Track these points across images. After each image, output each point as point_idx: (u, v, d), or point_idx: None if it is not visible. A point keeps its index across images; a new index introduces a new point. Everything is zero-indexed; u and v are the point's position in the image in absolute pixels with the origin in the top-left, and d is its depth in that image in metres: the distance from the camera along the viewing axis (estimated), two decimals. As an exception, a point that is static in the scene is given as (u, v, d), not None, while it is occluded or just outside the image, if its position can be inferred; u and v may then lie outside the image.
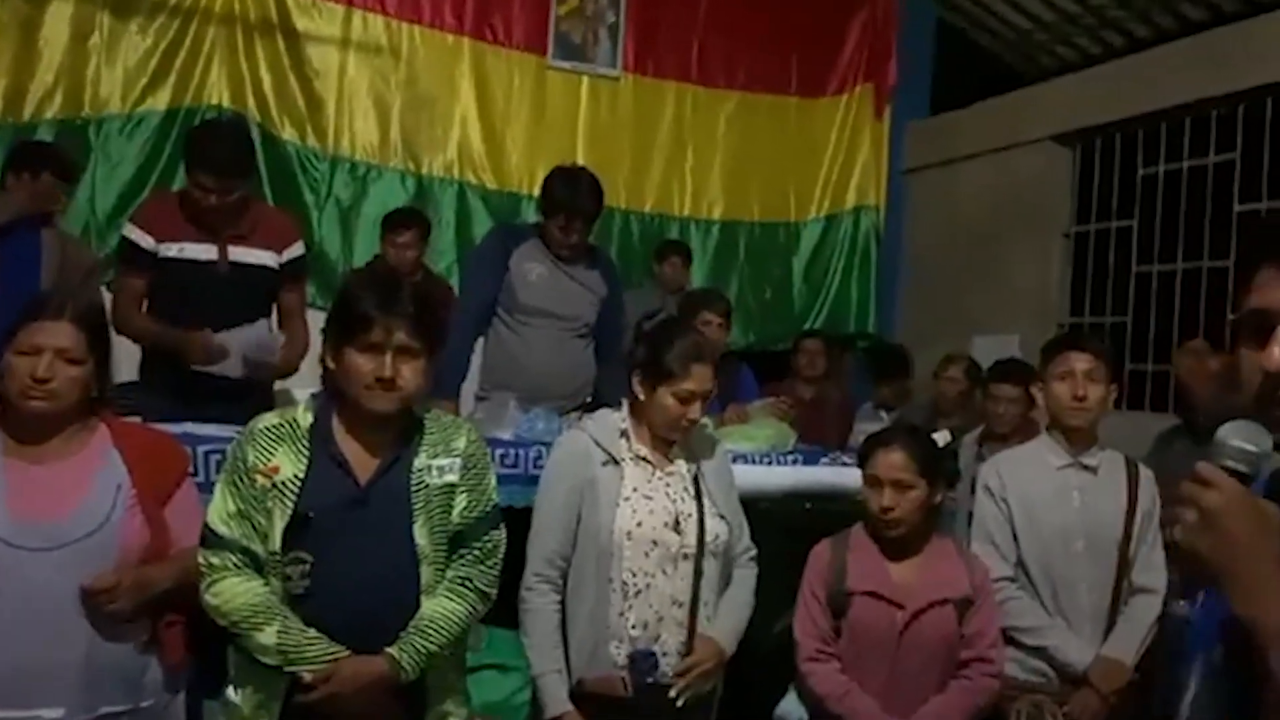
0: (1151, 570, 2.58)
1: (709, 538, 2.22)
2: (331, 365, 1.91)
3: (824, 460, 3.16)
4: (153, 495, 2.00)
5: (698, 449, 2.32)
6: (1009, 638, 2.49)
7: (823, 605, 2.38)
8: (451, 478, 1.96)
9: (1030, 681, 2.52)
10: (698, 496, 2.25)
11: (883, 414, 4.98)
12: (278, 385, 3.30)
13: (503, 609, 2.15)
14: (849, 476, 3.04)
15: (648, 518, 2.19)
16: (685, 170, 5.95)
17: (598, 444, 2.25)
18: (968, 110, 6.04)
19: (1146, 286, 5.08)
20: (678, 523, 2.20)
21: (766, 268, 6.08)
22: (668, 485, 2.25)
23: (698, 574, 2.20)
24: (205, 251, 3.03)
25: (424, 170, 5.40)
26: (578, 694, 2.18)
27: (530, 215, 5.44)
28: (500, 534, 2.03)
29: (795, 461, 3.10)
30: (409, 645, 1.86)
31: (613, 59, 5.76)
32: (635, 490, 2.22)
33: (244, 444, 1.90)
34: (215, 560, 1.86)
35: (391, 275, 2.04)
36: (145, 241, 3.00)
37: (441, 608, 1.92)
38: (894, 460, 2.34)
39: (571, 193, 3.41)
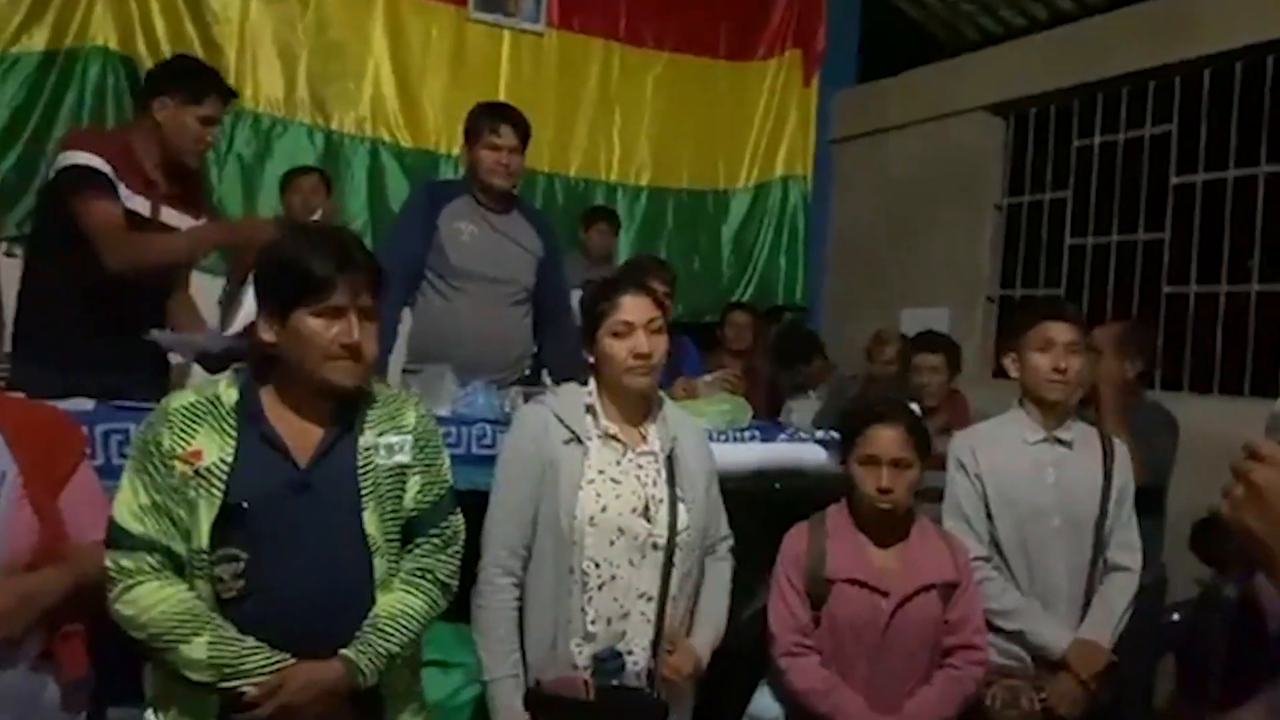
0: (1127, 548, 2.50)
1: (681, 526, 2.01)
2: (270, 336, 1.64)
3: (782, 436, 2.99)
4: (44, 484, 1.71)
5: (674, 427, 2.11)
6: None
7: (800, 594, 2.22)
8: (402, 458, 1.74)
9: (1005, 666, 2.41)
10: (671, 481, 2.04)
11: (810, 392, 4.87)
12: (174, 359, 2.96)
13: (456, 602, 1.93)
14: (811, 452, 2.91)
15: (614, 502, 1.98)
16: (613, 133, 5.70)
17: (560, 420, 2.03)
18: (897, 79, 5.93)
19: (1080, 259, 5.06)
20: (647, 509, 2.00)
21: (695, 237, 5.89)
22: (639, 468, 2.03)
23: (668, 566, 1.99)
24: (141, 205, 2.64)
25: (334, 125, 5.01)
26: (535, 696, 1.97)
27: (449, 175, 5.17)
28: (459, 519, 1.83)
29: (753, 438, 2.92)
30: (367, 646, 1.64)
31: (536, 12, 5.45)
32: (601, 473, 2.00)
33: (156, 426, 1.62)
34: (127, 563, 1.58)
35: (335, 229, 1.79)
36: (108, 170, 2.56)
37: (400, 603, 1.70)
38: (894, 438, 2.20)
39: (498, 107, 3.29)
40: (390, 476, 1.71)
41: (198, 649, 1.55)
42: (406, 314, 3.27)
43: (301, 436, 1.67)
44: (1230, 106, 4.40)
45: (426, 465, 1.77)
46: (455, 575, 1.81)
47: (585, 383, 2.11)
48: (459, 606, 2.08)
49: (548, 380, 3.36)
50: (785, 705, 2.23)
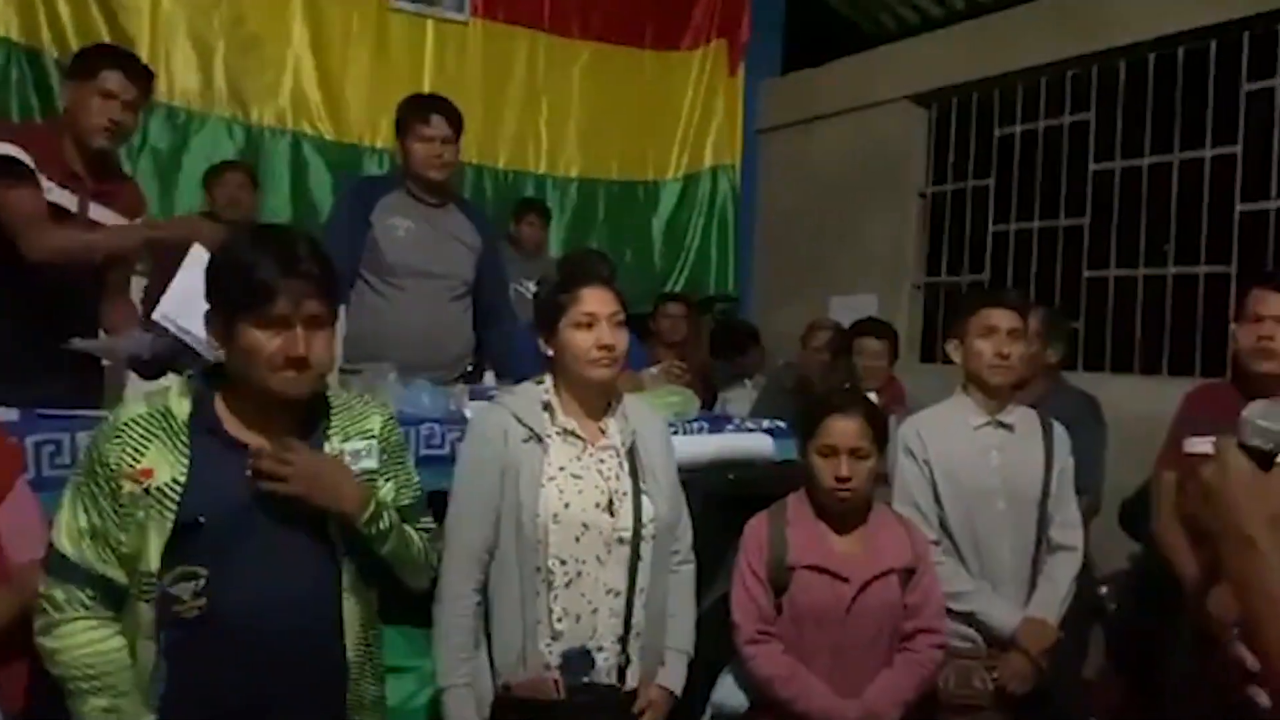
0: (1069, 527, 2.57)
1: (646, 519, 2.00)
2: (217, 345, 1.58)
3: (730, 427, 3.00)
4: (-21, 503, 1.61)
5: (634, 419, 2.09)
6: (936, 604, 2.40)
7: (763, 582, 2.23)
8: (370, 463, 1.71)
9: (957, 647, 2.45)
10: (634, 474, 2.02)
11: (746, 382, 4.92)
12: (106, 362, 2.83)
13: (394, 605, 1.90)
14: (759, 442, 2.92)
15: (576, 498, 1.96)
16: (540, 124, 5.65)
17: (518, 419, 1.99)
18: (822, 69, 5.99)
19: (1003, 245, 5.18)
20: (611, 503, 1.98)
21: (626, 228, 5.87)
22: (600, 462, 2.01)
23: (634, 560, 1.98)
24: (68, 200, 2.51)
25: (253, 119, 4.86)
26: (505, 701, 1.94)
27: (374, 169, 5.08)
28: (432, 522, 1.83)
29: (701, 429, 2.92)
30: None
31: (459, 1, 5.37)
32: (562, 469, 1.98)
33: (103, 442, 1.54)
34: (60, 594, 1.53)
35: (282, 230, 1.72)
36: (27, 160, 2.43)
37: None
38: (852, 428, 2.22)
39: (428, 98, 3.24)
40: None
41: (92, 709, 1.52)
42: (341, 313, 3.19)
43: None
44: (1145, 96, 4.55)
45: (397, 470, 1.76)
46: (435, 567, 1.81)
47: (541, 380, 2.08)
48: (411, 611, 2.05)
49: (490, 377, 3.31)
50: (749, 693, 2.24)
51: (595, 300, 1.99)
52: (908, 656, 2.24)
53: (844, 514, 2.26)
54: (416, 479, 1.81)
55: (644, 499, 2.01)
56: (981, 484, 2.51)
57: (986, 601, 2.46)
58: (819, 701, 2.15)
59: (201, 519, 1.51)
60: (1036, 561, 2.53)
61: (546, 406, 2.03)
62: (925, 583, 2.28)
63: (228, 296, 1.56)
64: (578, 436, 2.02)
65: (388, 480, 1.72)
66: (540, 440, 1.98)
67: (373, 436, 1.71)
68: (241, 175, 4.19)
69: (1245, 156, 4.18)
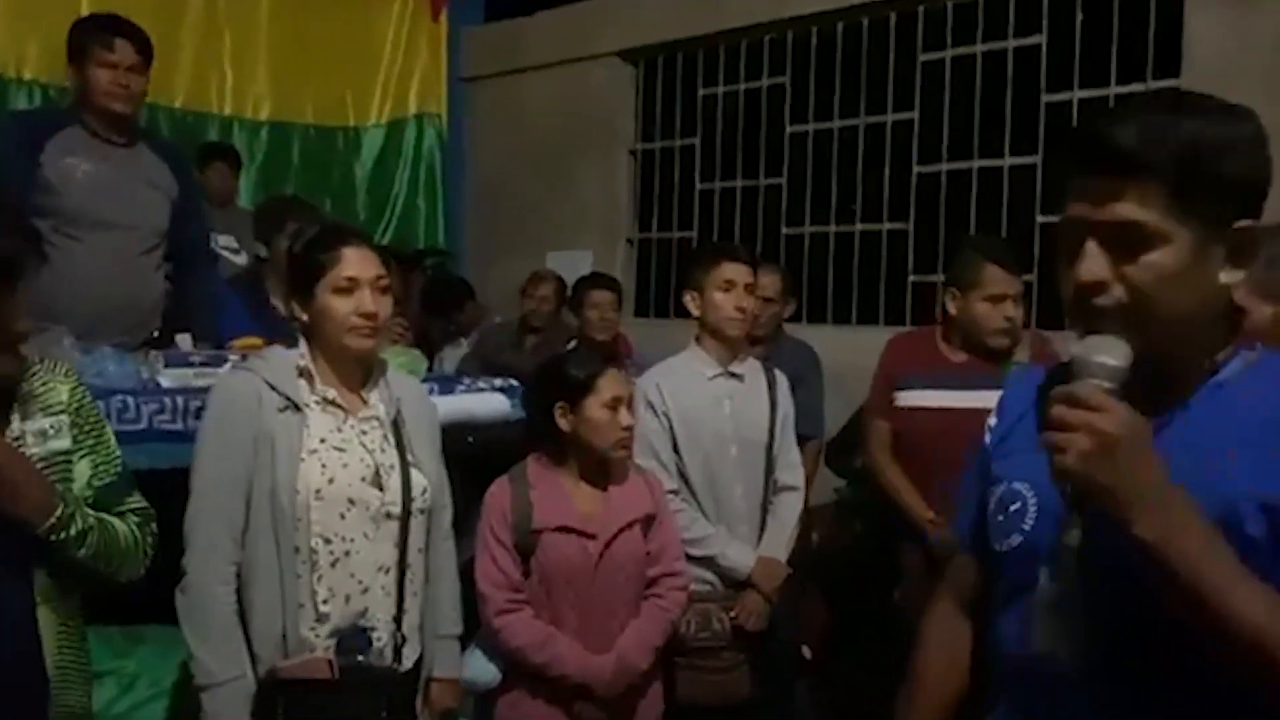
0: (792, 469, 2.73)
1: (416, 492, 1.89)
2: None
3: (460, 388, 2.88)
4: None
5: (397, 388, 1.97)
6: (675, 551, 2.46)
7: (509, 550, 2.17)
8: (59, 443, 1.50)
9: (697, 591, 2.52)
10: (399, 445, 1.90)
11: (462, 340, 4.80)
12: None
13: (98, 603, 1.69)
14: (496, 402, 2.83)
15: (341, 472, 1.81)
16: (223, 60, 5.14)
17: (272, 387, 1.81)
18: (529, 20, 5.89)
19: (709, 202, 5.37)
20: (379, 476, 1.85)
21: (325, 177, 5.50)
22: (363, 433, 1.87)
23: (404, 535, 1.87)
24: None
25: None
26: (270, 684, 1.77)
27: (23, 103, 4.41)
28: (141, 499, 1.63)
29: (432, 391, 2.77)
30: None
31: (122, -86, 4.71)
32: (323, 441, 1.83)
33: None
34: None
35: None
36: None
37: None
38: (624, 379, 2.27)
39: (111, 19, 2.88)
40: (48, 468, 1.45)
41: None
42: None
43: None
44: (834, 62, 4.85)
45: (93, 445, 1.55)
46: (152, 552, 1.62)
47: (296, 343, 1.91)
48: (106, 610, 1.85)
49: (185, 342, 2.97)
50: (500, 663, 2.17)
51: (358, 263, 1.84)
52: (653, 604, 2.27)
53: (601, 470, 2.25)
54: (118, 452, 1.60)
55: (413, 472, 1.90)
56: (716, 432, 2.60)
57: (724, 545, 2.55)
58: (573, 662, 2.12)
59: None
60: (765, 503, 2.66)
61: (303, 373, 1.87)
62: (664, 528, 2.32)
63: None
64: (338, 406, 1.87)
65: (83, 458, 1.52)
66: (298, 410, 1.82)
67: (60, 411, 1.49)
68: None
69: (921, 122, 4.58)
